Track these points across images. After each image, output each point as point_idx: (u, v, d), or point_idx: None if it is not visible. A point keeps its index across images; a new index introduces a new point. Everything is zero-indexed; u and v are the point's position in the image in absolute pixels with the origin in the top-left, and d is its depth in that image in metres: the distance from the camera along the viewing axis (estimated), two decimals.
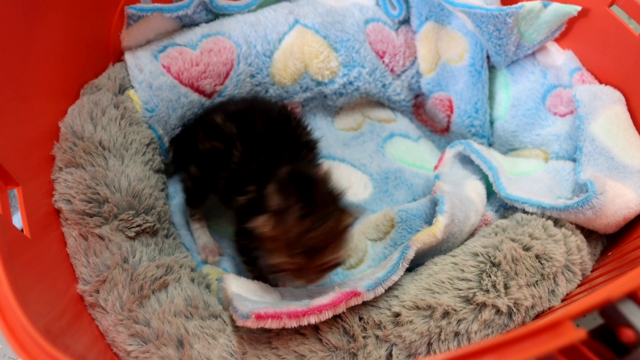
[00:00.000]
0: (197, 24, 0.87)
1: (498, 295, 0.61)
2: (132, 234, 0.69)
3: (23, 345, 0.41)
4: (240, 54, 0.86)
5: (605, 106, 0.75)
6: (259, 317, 0.56)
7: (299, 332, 0.60)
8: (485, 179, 0.79)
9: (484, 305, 0.60)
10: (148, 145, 0.78)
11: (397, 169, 0.94)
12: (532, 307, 0.62)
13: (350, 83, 0.94)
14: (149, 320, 0.62)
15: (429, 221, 0.77)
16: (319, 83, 0.92)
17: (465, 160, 0.82)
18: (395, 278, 0.62)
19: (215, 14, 0.88)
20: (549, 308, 0.64)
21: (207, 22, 0.88)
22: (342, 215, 0.60)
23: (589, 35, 0.81)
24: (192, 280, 0.69)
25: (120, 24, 0.84)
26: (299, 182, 0.61)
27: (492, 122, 0.90)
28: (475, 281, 0.62)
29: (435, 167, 0.82)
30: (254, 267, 0.73)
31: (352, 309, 0.61)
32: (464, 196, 0.74)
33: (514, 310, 0.61)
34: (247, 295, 0.63)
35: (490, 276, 0.62)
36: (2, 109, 0.61)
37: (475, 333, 0.60)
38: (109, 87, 0.79)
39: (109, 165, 0.71)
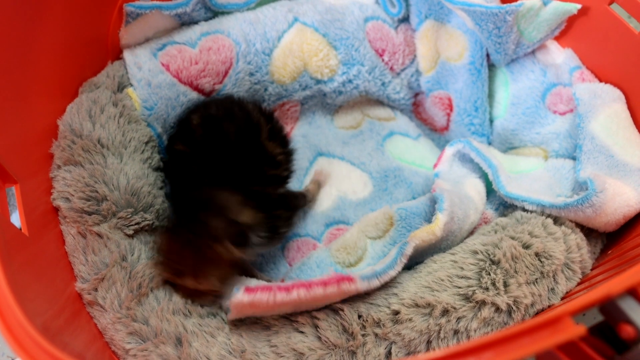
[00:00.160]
0: (196, 22, 0.87)
1: (497, 293, 0.60)
2: (131, 232, 0.69)
3: (21, 343, 0.41)
4: (240, 52, 0.85)
5: (605, 104, 0.75)
6: (248, 289, 0.56)
7: (297, 329, 0.60)
8: (484, 177, 0.79)
9: (483, 303, 0.60)
10: (147, 143, 0.78)
11: (397, 167, 0.93)
12: (532, 305, 0.62)
13: (350, 81, 0.93)
14: (147, 318, 0.62)
15: (429, 219, 0.77)
16: (318, 81, 0.92)
17: (465, 158, 0.82)
18: (392, 273, 0.61)
19: (214, 12, 0.88)
20: (549, 306, 0.64)
21: (206, 20, 0.88)
22: (216, 244, 0.62)
23: (589, 33, 0.81)
24: None
25: (119, 22, 0.84)
26: (197, 204, 0.65)
27: (491, 121, 0.90)
28: (475, 279, 0.62)
29: (435, 166, 0.82)
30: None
31: (351, 307, 0.61)
32: (464, 194, 0.74)
33: (514, 308, 0.61)
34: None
35: (489, 274, 0.62)
36: (1, 107, 0.61)
37: (475, 331, 0.60)
38: (108, 85, 0.79)
39: (108, 163, 0.70)
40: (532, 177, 0.78)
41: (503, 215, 0.75)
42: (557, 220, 0.69)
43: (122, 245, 0.66)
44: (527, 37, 0.83)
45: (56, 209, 0.68)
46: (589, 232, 0.70)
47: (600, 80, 0.80)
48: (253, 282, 0.67)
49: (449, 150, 0.82)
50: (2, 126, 0.60)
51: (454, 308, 0.60)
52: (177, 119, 0.82)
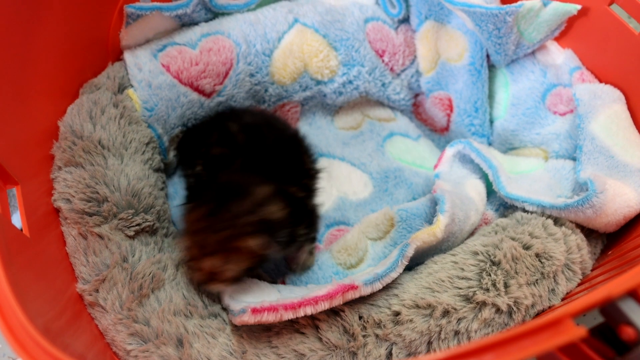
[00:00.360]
0: (196, 23, 0.87)
1: (498, 294, 0.60)
2: (132, 233, 0.69)
3: (22, 343, 0.41)
4: (240, 53, 0.86)
5: (605, 105, 0.75)
6: (254, 311, 0.56)
7: (298, 331, 0.60)
8: (485, 177, 0.79)
9: (484, 304, 0.60)
10: (147, 144, 0.78)
11: (397, 168, 0.94)
12: (532, 305, 0.62)
13: (350, 82, 0.94)
14: (148, 319, 0.62)
15: (429, 220, 0.77)
16: (318, 82, 0.92)
17: (465, 159, 0.82)
18: (394, 275, 0.61)
19: (214, 13, 0.88)
20: (549, 307, 0.64)
21: (206, 21, 0.88)
22: (246, 235, 0.60)
23: (589, 34, 0.81)
24: (191, 278, 0.69)
25: (119, 23, 0.84)
26: (229, 188, 0.65)
27: (491, 121, 0.90)
28: (475, 280, 0.62)
29: (435, 166, 0.82)
30: None
31: (352, 308, 0.61)
32: (464, 195, 0.74)
33: (514, 309, 0.61)
34: (245, 297, 0.63)
35: (490, 275, 0.62)
36: (2, 108, 0.61)
37: (475, 332, 0.60)
38: (108, 86, 0.79)
39: (109, 164, 0.71)
40: (532, 178, 0.78)
41: (503, 216, 0.75)
42: (557, 221, 0.69)
43: (123, 246, 0.66)
44: (527, 38, 0.83)
45: (57, 210, 0.68)
46: (589, 233, 0.70)
47: (600, 81, 0.80)
48: (255, 287, 0.67)
49: (449, 151, 0.82)
50: (3, 127, 0.60)
51: (455, 309, 0.60)
52: (204, 125, 0.85)
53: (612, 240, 0.72)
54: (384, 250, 0.78)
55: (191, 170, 0.81)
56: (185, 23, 0.86)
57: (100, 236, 0.66)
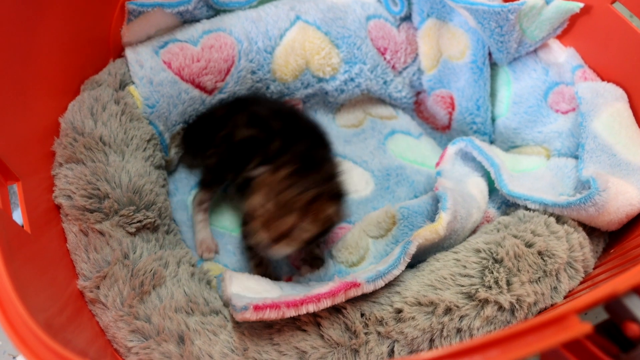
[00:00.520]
0: (198, 20, 0.87)
1: (500, 292, 0.60)
2: (133, 230, 0.68)
3: (23, 339, 0.41)
4: (241, 50, 0.85)
5: (608, 103, 0.75)
6: (257, 308, 0.56)
7: (300, 328, 0.60)
8: (487, 175, 0.79)
9: (486, 301, 0.60)
10: (149, 141, 0.78)
11: (399, 166, 0.93)
12: (535, 303, 0.62)
13: (352, 80, 0.93)
14: (149, 316, 0.61)
15: (431, 218, 0.77)
16: (320, 79, 0.92)
17: (467, 157, 0.82)
18: (396, 272, 0.61)
19: (216, 10, 0.88)
20: (552, 305, 0.64)
21: (208, 18, 0.88)
22: (326, 200, 0.64)
23: (591, 32, 0.80)
24: (192, 275, 0.69)
25: (120, 20, 0.83)
26: (310, 155, 0.69)
27: (493, 120, 0.90)
28: (478, 277, 0.62)
29: (437, 164, 0.82)
30: (255, 253, 0.75)
31: (354, 305, 0.61)
32: (466, 193, 0.74)
33: (517, 306, 0.61)
34: (246, 293, 0.63)
35: (492, 272, 0.62)
36: (3, 105, 0.60)
37: (478, 329, 0.60)
38: (110, 82, 0.79)
39: (110, 161, 0.70)
40: (534, 176, 0.77)
41: (505, 213, 0.75)
42: (559, 219, 0.69)
43: (124, 243, 0.66)
44: (529, 36, 0.83)
45: (58, 207, 0.68)
46: (591, 231, 0.70)
47: (603, 79, 0.80)
48: (257, 283, 0.67)
49: (451, 149, 0.82)
50: (4, 124, 0.60)
51: (457, 306, 0.60)
52: (223, 110, 0.86)
53: (614, 238, 0.72)
54: (386, 248, 0.78)
55: (214, 149, 0.82)
56: (187, 20, 0.86)
57: (101, 233, 0.66)
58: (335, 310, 0.61)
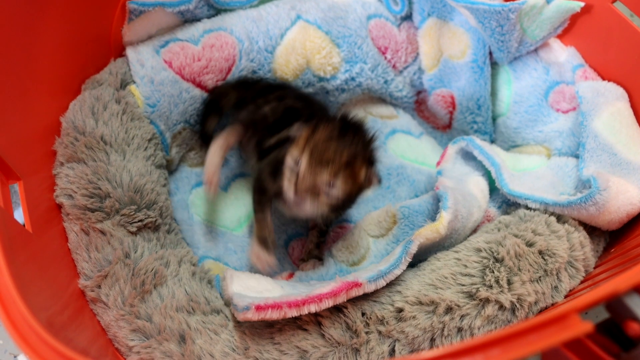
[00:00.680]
0: (199, 19, 0.87)
1: (501, 291, 0.60)
2: (134, 229, 0.69)
3: (25, 337, 0.41)
4: (242, 49, 0.85)
5: (608, 103, 0.75)
6: (259, 308, 0.56)
7: (301, 327, 0.60)
8: (487, 175, 0.79)
9: (487, 300, 0.60)
10: (150, 140, 0.78)
11: (399, 165, 0.93)
12: (536, 303, 0.62)
13: (352, 79, 0.93)
14: (150, 315, 0.61)
15: (432, 217, 0.77)
16: (321, 79, 0.92)
17: (468, 156, 0.82)
18: (397, 272, 0.61)
19: (217, 9, 0.88)
20: (552, 304, 0.64)
21: (209, 17, 0.88)
22: (361, 162, 0.65)
23: (592, 31, 0.80)
24: (193, 275, 0.69)
25: (121, 19, 0.83)
26: (349, 121, 0.70)
27: (494, 119, 0.90)
28: (479, 277, 0.62)
29: (438, 163, 0.82)
30: (263, 207, 0.75)
31: (355, 305, 0.61)
32: (467, 192, 0.74)
33: (517, 306, 0.61)
34: (248, 292, 0.63)
35: (493, 272, 0.62)
36: (4, 104, 0.61)
37: (479, 329, 0.60)
38: (111, 82, 0.79)
39: (111, 160, 0.70)
40: (535, 175, 0.77)
41: (506, 213, 0.75)
42: (560, 218, 0.69)
43: (125, 242, 0.66)
44: (530, 35, 0.83)
45: (59, 206, 0.68)
46: (592, 230, 0.70)
47: (603, 79, 0.80)
48: (258, 282, 0.67)
49: (452, 148, 0.82)
50: (6, 123, 0.60)
51: (458, 306, 0.60)
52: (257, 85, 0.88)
53: (615, 238, 0.72)
54: (387, 247, 0.78)
55: (264, 99, 0.84)
56: (188, 19, 0.86)
57: (103, 232, 0.66)
58: (336, 309, 0.61)
